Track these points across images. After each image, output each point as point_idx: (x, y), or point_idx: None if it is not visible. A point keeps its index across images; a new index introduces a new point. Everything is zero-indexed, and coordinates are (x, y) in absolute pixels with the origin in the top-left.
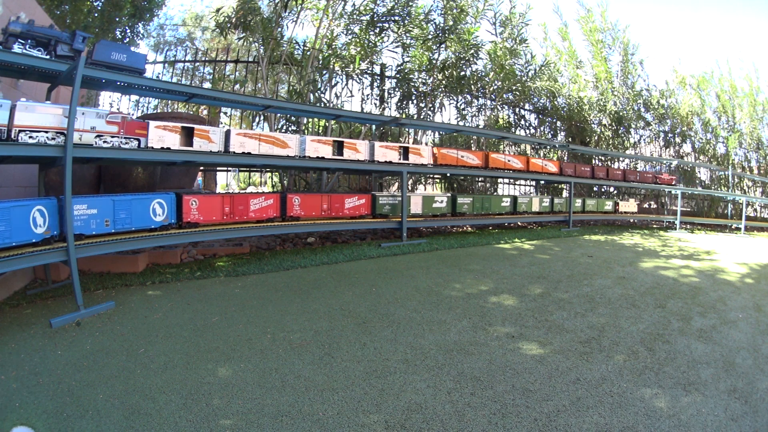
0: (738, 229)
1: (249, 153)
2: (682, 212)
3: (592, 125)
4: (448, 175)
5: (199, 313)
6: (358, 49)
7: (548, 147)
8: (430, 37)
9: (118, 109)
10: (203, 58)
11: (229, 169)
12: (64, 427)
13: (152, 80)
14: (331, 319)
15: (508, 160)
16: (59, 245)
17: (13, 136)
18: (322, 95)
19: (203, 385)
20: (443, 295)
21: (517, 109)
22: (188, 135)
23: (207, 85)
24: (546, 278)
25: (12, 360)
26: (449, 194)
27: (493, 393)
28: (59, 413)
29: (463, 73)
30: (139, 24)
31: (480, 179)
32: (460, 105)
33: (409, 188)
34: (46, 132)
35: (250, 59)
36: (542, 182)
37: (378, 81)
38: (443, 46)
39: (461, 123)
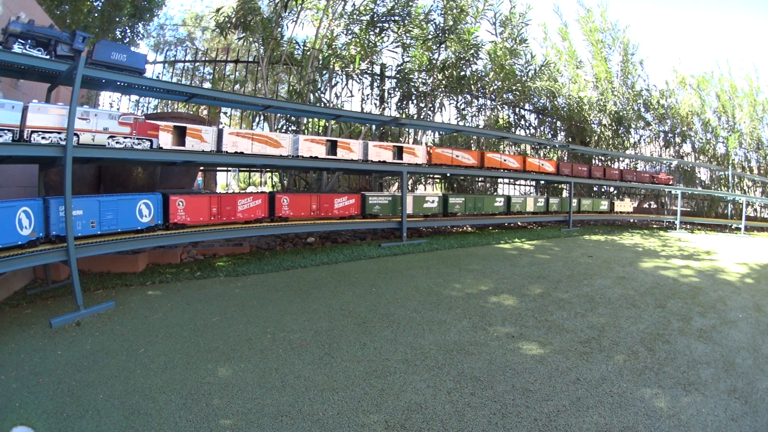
0: (738, 229)
1: (242, 152)
2: (682, 212)
3: (592, 125)
4: (448, 175)
5: (199, 313)
6: (358, 49)
7: (548, 147)
8: (430, 37)
9: (118, 109)
10: (203, 58)
11: (229, 169)
12: (64, 427)
13: (152, 80)
14: (331, 319)
15: (504, 160)
16: (59, 245)
17: (25, 137)
18: (322, 95)
19: (203, 385)
20: (443, 295)
21: (517, 109)
22: (181, 134)
23: (207, 85)
24: (546, 278)
25: (12, 360)
26: (441, 194)
27: (493, 393)
28: (59, 413)
29: (463, 73)
30: (139, 24)
31: (480, 179)
32: (460, 105)
33: (409, 188)
34: (59, 133)
35: (250, 59)
36: (542, 182)
37: (378, 81)
38: (443, 46)
39: (461, 123)
